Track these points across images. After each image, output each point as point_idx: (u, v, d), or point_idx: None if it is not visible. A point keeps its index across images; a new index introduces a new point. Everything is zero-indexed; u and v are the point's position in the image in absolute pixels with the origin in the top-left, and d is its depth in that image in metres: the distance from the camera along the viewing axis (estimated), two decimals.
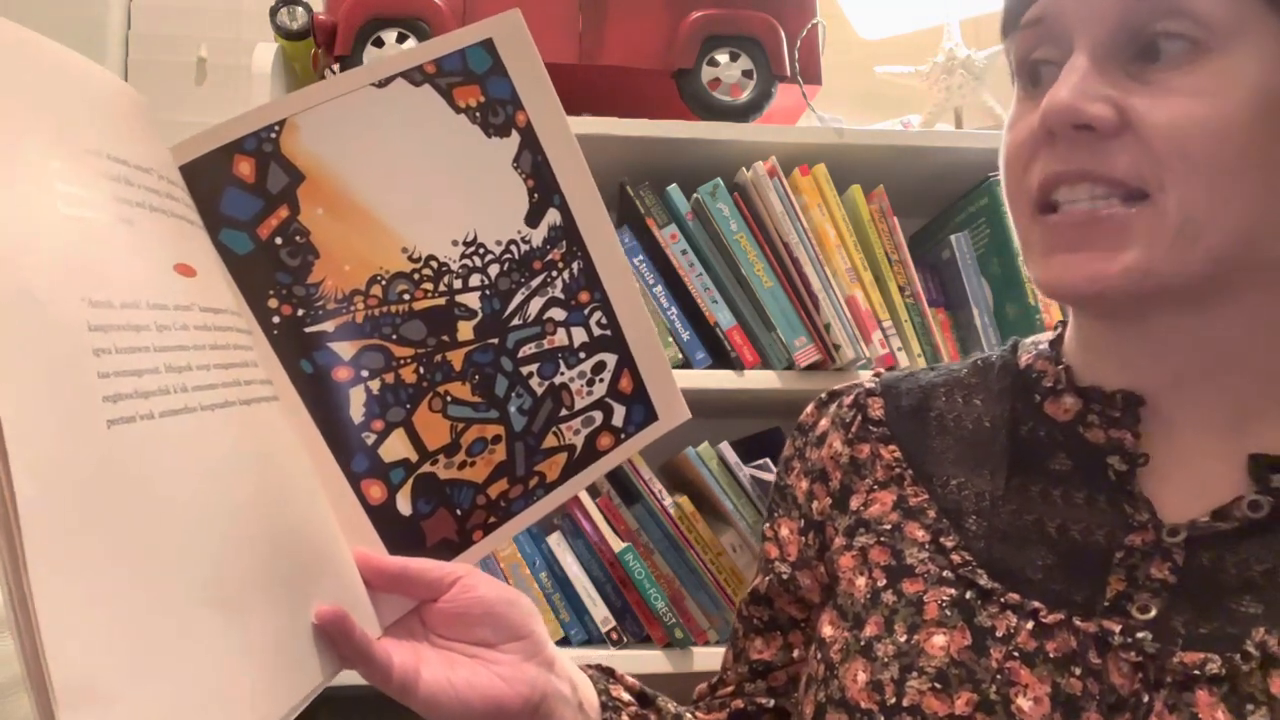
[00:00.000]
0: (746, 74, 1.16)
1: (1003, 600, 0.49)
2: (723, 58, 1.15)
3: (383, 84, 0.52)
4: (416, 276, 0.53)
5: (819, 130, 1.17)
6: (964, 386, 0.58)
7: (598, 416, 0.57)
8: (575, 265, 0.57)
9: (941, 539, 0.53)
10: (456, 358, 0.54)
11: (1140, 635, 0.45)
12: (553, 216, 0.56)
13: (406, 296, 0.53)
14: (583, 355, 0.57)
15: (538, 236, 0.56)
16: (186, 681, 0.36)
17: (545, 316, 0.56)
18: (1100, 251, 0.45)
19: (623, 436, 0.59)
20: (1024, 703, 0.46)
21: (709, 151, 1.15)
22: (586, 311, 0.57)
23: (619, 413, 0.58)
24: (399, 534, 0.52)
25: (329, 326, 0.51)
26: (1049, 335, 0.57)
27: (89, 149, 0.39)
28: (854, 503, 0.58)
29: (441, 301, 0.54)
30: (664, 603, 1.07)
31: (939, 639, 0.49)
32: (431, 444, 0.53)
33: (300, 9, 1.10)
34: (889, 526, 0.55)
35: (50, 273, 0.34)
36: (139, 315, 0.38)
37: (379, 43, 1.09)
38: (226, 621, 0.38)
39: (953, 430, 0.56)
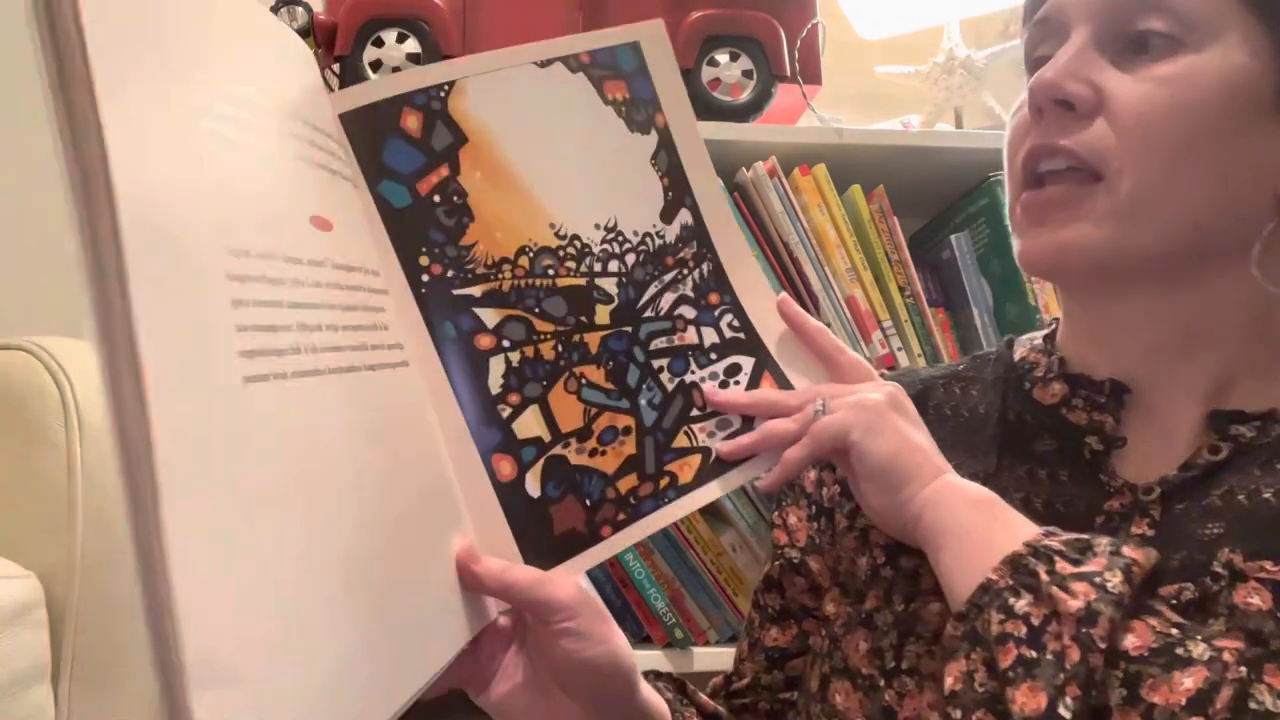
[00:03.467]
0: (746, 74, 1.16)
1: None
2: (723, 58, 1.15)
3: (544, 64, 0.53)
4: (561, 253, 0.53)
5: (819, 130, 1.17)
6: (961, 379, 0.62)
7: (735, 421, 0.55)
8: (705, 266, 0.57)
9: None
10: (593, 340, 0.53)
11: None
12: (685, 216, 0.57)
13: (551, 272, 0.53)
14: (714, 356, 0.56)
15: (671, 233, 0.56)
16: (317, 660, 0.33)
17: (676, 312, 0.56)
18: (1059, 226, 0.50)
19: None
20: None
21: (709, 151, 1.15)
22: (717, 313, 0.57)
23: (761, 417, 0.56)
24: (525, 515, 0.51)
25: (476, 291, 0.51)
26: (1044, 332, 0.61)
27: (238, 84, 0.36)
28: None
29: (582, 282, 0.53)
30: (664, 603, 1.07)
31: (935, 606, 0.51)
32: (565, 425, 0.52)
33: (300, 9, 1.10)
34: None
35: (192, 214, 0.31)
36: (274, 268, 0.35)
37: (379, 42, 1.09)
38: (355, 598, 0.36)
39: (950, 418, 0.60)
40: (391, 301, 0.47)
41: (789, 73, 1.16)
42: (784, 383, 0.56)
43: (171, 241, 0.30)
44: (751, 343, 0.57)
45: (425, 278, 0.50)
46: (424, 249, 0.50)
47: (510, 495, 0.50)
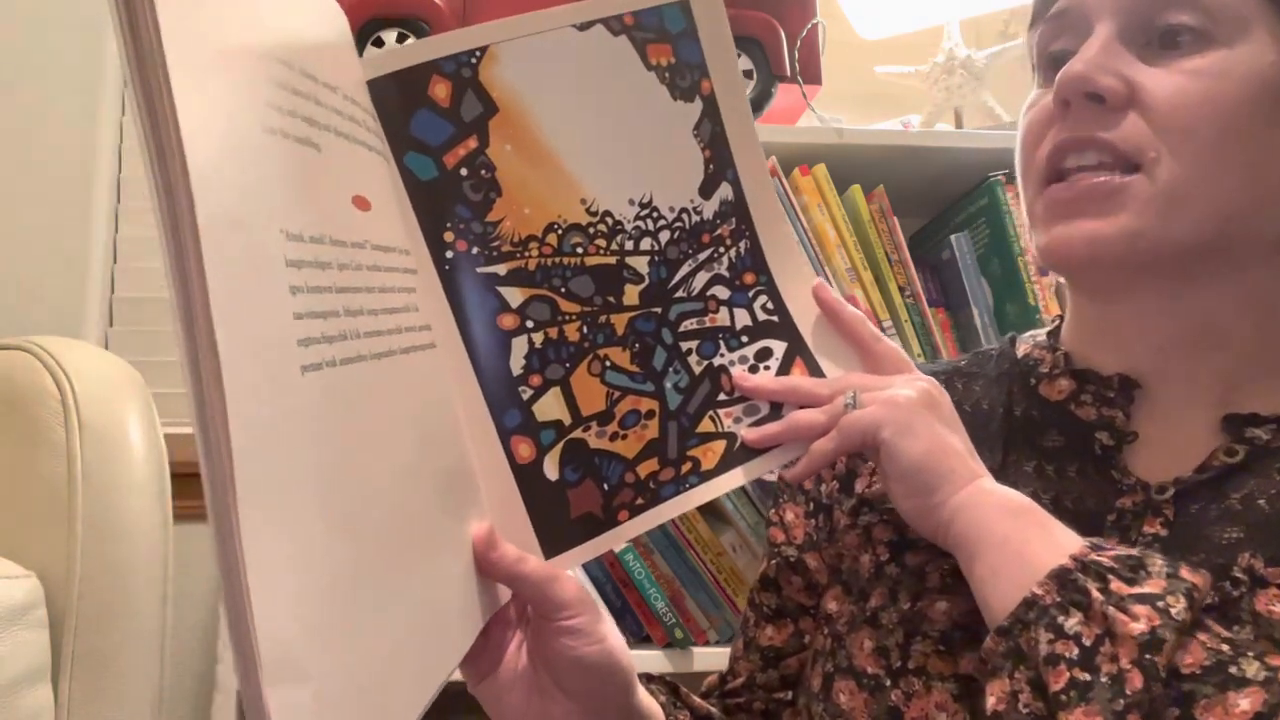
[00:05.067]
0: (746, 74, 1.15)
1: None
2: None
3: (584, 27, 0.50)
4: (591, 231, 0.51)
5: (819, 130, 1.17)
6: (963, 375, 0.61)
7: (763, 407, 0.53)
8: (742, 245, 0.54)
9: None
10: (620, 321, 0.51)
11: None
12: (725, 191, 0.54)
13: (580, 250, 0.51)
14: (745, 339, 0.54)
15: (709, 209, 0.53)
16: (369, 651, 0.34)
17: (709, 293, 0.53)
18: (1095, 218, 0.49)
19: None
20: None
21: None
22: (751, 294, 0.54)
23: (790, 405, 0.53)
24: (543, 498, 0.50)
25: (501, 269, 0.49)
26: (1046, 329, 0.60)
27: (285, 60, 0.35)
28: (859, 485, 0.59)
29: (612, 260, 0.51)
30: (664, 603, 1.07)
31: (942, 604, 0.50)
32: (586, 409, 0.51)
33: None
34: (891, 505, 0.56)
35: (253, 198, 0.31)
36: (324, 251, 0.35)
37: (379, 43, 1.09)
38: (394, 586, 0.37)
39: None
40: (420, 280, 0.46)
41: (789, 73, 1.16)
42: (816, 370, 0.54)
43: (236, 227, 0.29)
44: (785, 326, 0.54)
45: (449, 254, 0.48)
46: (449, 224, 0.48)
47: (528, 478, 0.49)
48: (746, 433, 0.52)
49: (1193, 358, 0.51)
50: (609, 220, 0.51)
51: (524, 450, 0.49)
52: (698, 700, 0.62)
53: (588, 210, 0.51)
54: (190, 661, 1.22)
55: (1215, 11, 0.48)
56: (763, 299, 0.54)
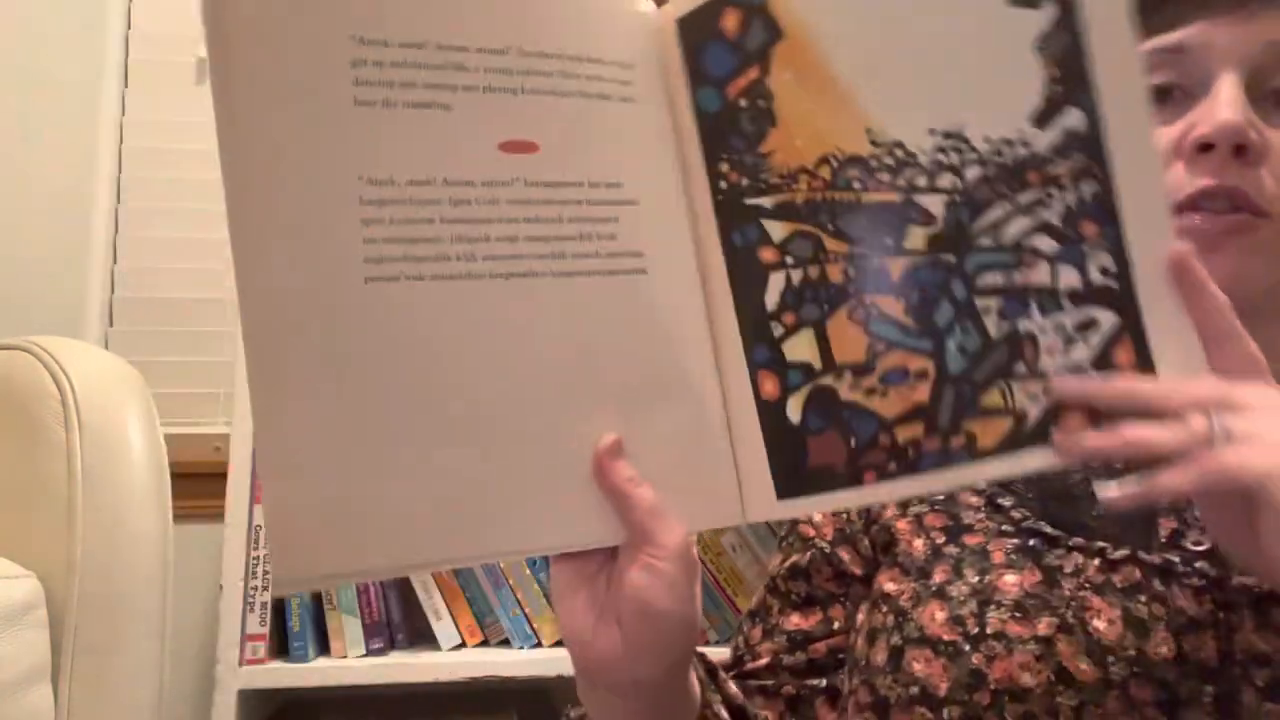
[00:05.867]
0: None
1: (1069, 544, 0.53)
2: None
3: None
4: (874, 164, 0.46)
5: None
6: None
7: None
8: (1087, 188, 0.44)
9: (998, 500, 0.57)
10: (897, 267, 0.46)
11: (1198, 564, 0.50)
12: (1072, 119, 0.44)
13: (857, 185, 0.46)
14: (1067, 304, 0.44)
15: (1043, 141, 0.44)
16: (399, 483, 0.42)
17: (1027, 243, 0.44)
18: (1237, 255, 0.52)
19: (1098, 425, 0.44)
20: (1099, 624, 0.50)
21: None
22: (1087, 249, 0.44)
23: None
24: (782, 438, 0.48)
25: (768, 202, 0.48)
26: None
27: (404, 41, 0.44)
28: None
29: (895, 197, 0.46)
30: None
31: (1010, 577, 0.52)
32: (841, 356, 0.47)
33: None
34: (942, 497, 0.59)
35: (329, 158, 0.42)
36: (428, 191, 0.44)
37: None
38: (465, 452, 0.44)
39: None
40: (638, 212, 0.48)
41: None
42: (1145, 358, 0.43)
43: (303, 181, 0.42)
44: (1123, 297, 0.43)
45: (723, 184, 0.48)
46: (724, 155, 0.48)
47: (770, 415, 0.48)
48: (1062, 438, 0.43)
49: None
50: (898, 152, 0.45)
51: (769, 387, 0.48)
52: (734, 689, 0.61)
53: (872, 140, 0.46)
54: (190, 661, 1.22)
55: None
56: (1102, 258, 0.44)
